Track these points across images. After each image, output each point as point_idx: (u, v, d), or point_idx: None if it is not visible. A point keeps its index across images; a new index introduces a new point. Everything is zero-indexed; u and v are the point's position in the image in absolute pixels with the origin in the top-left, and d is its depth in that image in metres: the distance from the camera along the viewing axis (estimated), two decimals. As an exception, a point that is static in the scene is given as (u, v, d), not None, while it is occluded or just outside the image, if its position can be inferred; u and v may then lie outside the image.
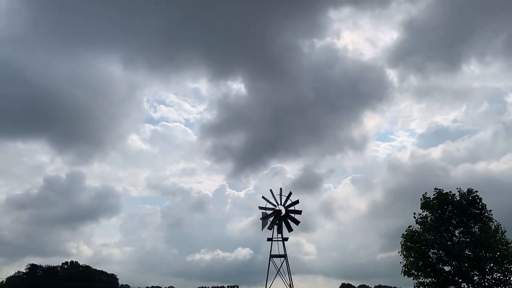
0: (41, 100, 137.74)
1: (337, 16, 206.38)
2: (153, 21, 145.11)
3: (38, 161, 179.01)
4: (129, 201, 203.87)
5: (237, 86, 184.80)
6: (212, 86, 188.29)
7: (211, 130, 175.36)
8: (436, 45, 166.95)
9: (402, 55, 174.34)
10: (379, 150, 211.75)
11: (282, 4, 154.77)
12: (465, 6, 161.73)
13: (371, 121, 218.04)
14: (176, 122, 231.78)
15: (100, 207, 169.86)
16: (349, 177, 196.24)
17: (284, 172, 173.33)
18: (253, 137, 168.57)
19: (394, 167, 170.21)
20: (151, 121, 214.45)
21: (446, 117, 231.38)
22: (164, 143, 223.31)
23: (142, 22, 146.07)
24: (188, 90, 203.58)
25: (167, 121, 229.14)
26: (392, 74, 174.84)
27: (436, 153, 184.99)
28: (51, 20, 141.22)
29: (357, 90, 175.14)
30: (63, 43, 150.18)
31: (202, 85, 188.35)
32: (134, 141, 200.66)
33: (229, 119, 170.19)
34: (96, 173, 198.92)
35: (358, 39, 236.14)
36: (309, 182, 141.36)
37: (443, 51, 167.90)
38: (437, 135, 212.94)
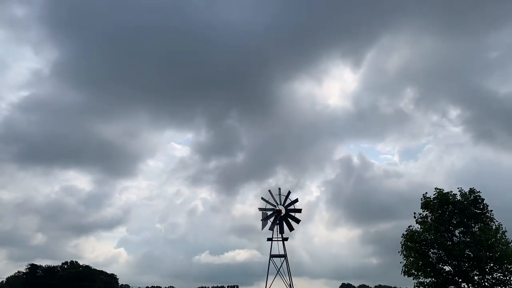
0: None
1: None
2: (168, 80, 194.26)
3: (81, 184, 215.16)
4: (134, 206, 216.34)
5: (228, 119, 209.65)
6: (211, 120, 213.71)
7: (207, 151, 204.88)
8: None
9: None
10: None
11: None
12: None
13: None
14: (179, 144, 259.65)
15: (110, 215, 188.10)
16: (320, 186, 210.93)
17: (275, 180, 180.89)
18: (246, 158, 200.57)
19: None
20: (160, 146, 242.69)
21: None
22: (168, 160, 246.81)
23: (159, 85, 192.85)
24: (189, 122, 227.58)
25: (169, 142, 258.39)
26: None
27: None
28: (109, 91, 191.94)
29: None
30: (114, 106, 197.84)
31: (204, 120, 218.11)
32: (150, 164, 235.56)
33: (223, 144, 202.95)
34: (119, 189, 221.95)
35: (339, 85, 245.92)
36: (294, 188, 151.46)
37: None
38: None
